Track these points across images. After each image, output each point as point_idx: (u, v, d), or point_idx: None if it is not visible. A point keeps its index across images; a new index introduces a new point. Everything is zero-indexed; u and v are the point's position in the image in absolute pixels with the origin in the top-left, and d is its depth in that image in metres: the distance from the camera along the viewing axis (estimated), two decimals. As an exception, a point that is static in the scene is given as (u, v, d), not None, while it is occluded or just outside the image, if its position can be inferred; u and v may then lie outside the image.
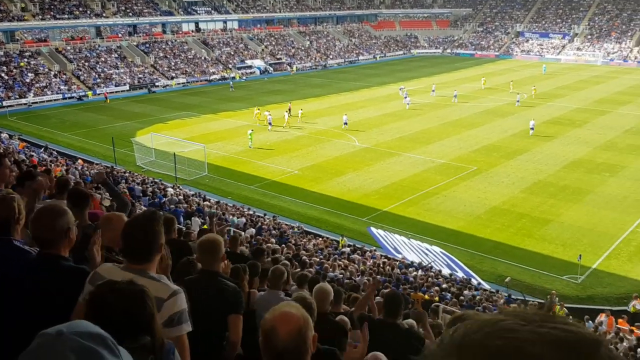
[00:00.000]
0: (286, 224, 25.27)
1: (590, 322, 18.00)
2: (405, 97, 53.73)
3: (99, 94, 60.97)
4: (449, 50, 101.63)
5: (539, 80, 67.69)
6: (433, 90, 58.10)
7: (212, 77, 72.96)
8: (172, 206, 21.76)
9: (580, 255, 22.23)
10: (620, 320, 18.65)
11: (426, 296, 16.25)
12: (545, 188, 31.27)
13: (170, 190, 26.58)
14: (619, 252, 24.07)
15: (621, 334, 16.89)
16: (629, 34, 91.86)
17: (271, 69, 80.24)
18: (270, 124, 44.18)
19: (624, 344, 15.98)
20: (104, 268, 3.21)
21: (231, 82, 67.77)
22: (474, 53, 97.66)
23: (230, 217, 22.66)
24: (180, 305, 3.06)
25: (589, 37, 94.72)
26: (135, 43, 75.50)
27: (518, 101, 53.34)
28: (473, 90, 61.24)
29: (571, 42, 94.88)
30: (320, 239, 23.93)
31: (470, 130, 44.10)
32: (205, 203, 25.56)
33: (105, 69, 67.47)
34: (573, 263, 22.36)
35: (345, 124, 44.19)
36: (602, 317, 18.29)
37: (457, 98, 55.54)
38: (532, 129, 42.53)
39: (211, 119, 49.28)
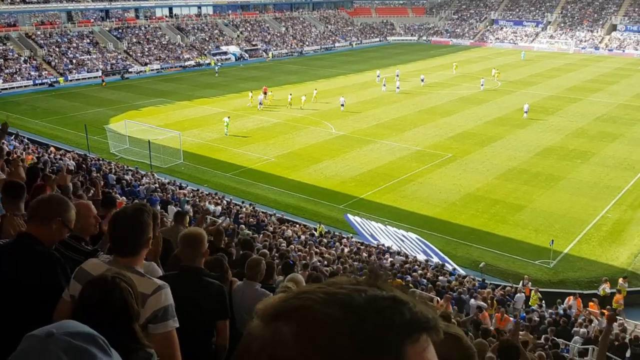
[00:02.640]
0: (263, 212, 25.24)
1: (561, 305, 18.46)
2: (384, 85, 54.78)
3: (95, 78, 60.78)
4: (424, 38, 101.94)
5: (514, 68, 68.46)
6: (422, 80, 58.02)
7: (186, 64, 72.01)
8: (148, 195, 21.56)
9: (552, 241, 22.72)
10: (590, 303, 19.15)
11: (402, 282, 16.46)
12: (518, 175, 31.78)
13: (145, 179, 26.28)
14: (589, 237, 24.65)
15: (591, 317, 17.37)
16: (600, 22, 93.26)
17: (247, 55, 79.50)
18: (260, 103, 46.56)
19: (593, 325, 16.43)
20: (89, 264, 3.15)
21: (216, 67, 67.12)
22: (448, 41, 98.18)
23: (207, 204, 22.53)
24: (165, 300, 2.98)
25: (562, 25, 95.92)
26: (107, 28, 73.98)
27: (482, 85, 55.07)
28: (449, 78, 61.64)
29: (544, 30, 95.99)
30: (298, 226, 23.97)
31: (446, 117, 44.45)
32: (181, 191, 25.35)
33: (77, 55, 66.03)
34: (545, 248, 22.84)
35: (342, 105, 45.76)
36: (570, 300, 18.75)
37: (424, 82, 56.85)
38: (526, 112, 43.81)
39: (186, 106, 48.72)
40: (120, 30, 74.67)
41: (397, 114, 45.42)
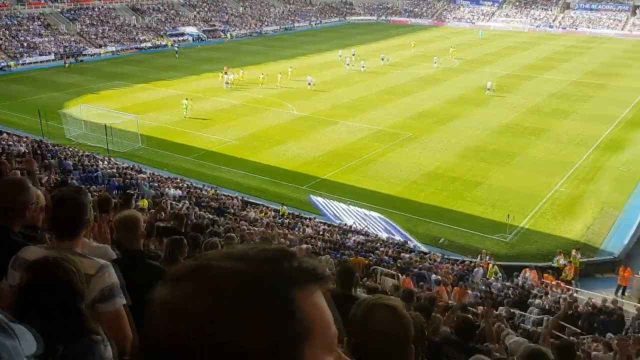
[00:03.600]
0: (225, 195, 25.12)
1: (517, 277, 19.12)
2: (348, 65, 55.35)
3: (49, 61, 59.03)
4: (383, 17, 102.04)
5: (472, 47, 69.35)
6: (382, 59, 58.41)
7: (143, 45, 70.24)
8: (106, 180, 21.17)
9: (508, 215, 23.39)
10: (546, 275, 19.91)
11: (366, 260, 16.76)
12: (476, 152, 32.45)
13: (102, 163, 25.75)
14: (544, 211, 25.47)
15: (547, 289, 18.07)
16: (554, 1, 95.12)
17: (205, 36, 78.09)
18: (227, 83, 47.08)
19: (549, 296, 17.11)
20: (27, 251, 3.07)
21: (176, 48, 65.87)
22: (407, 20, 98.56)
23: (166, 189, 22.28)
24: (109, 279, 2.98)
25: (517, 4, 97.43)
26: (59, 10, 71.37)
27: (435, 62, 56.56)
28: (408, 57, 62.03)
29: (500, 9, 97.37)
30: (260, 208, 23.97)
31: (406, 97, 44.85)
32: (140, 175, 24.95)
33: (28, 38, 63.58)
34: (502, 223, 23.50)
35: (310, 84, 46.24)
36: (526, 273, 19.43)
37: (384, 61, 57.46)
38: (489, 89, 45.11)
39: (144, 89, 47.69)
40: (73, 12, 72.14)
41: (358, 95, 45.56)
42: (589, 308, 15.48)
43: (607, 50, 69.38)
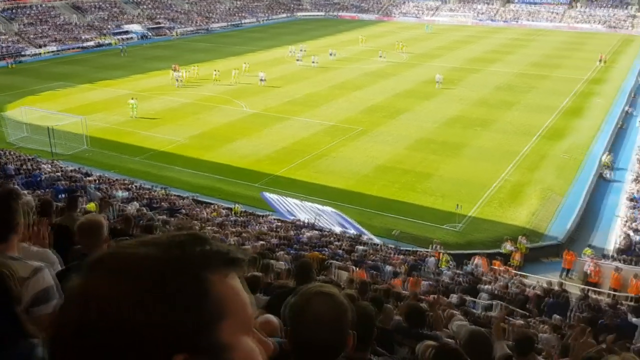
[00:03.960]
0: (176, 195, 24.73)
1: (468, 265, 19.63)
2: (298, 60, 55.74)
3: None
4: (332, 13, 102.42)
5: (419, 41, 70.51)
6: (331, 54, 58.70)
7: (86, 44, 68.14)
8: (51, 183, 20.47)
9: (458, 205, 23.97)
10: (495, 261, 20.52)
11: (320, 255, 16.83)
12: (426, 144, 33.08)
13: (47, 167, 24.89)
14: (492, 200, 26.23)
15: (496, 275, 18.64)
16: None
17: (151, 34, 76.42)
18: (178, 80, 46.54)
19: (498, 282, 17.64)
20: None
21: (122, 47, 64.18)
22: (355, 16, 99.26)
23: (114, 191, 21.75)
24: (45, 282, 2.89)
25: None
26: (-6, 8, 68.44)
27: (381, 56, 57.96)
28: (358, 52, 62.51)
29: (444, 4, 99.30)
30: (213, 207, 23.71)
31: (356, 91, 45.23)
32: (87, 179, 24.26)
33: (-40, 37, 60.75)
34: (453, 213, 24.07)
35: (262, 80, 46.28)
36: (476, 260, 19.97)
37: (332, 56, 57.87)
38: (438, 82, 45.92)
39: (89, 89, 46.31)
40: (10, 11, 69.29)
41: (309, 90, 45.64)
42: (536, 291, 16.06)
43: (547, 42, 71.85)
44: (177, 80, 46.82)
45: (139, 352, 0.81)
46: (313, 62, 54.84)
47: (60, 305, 0.86)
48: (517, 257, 21.23)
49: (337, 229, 23.22)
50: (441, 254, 20.45)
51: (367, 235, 23.05)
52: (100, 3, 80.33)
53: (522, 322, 12.44)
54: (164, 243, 0.88)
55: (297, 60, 56.03)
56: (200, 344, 0.84)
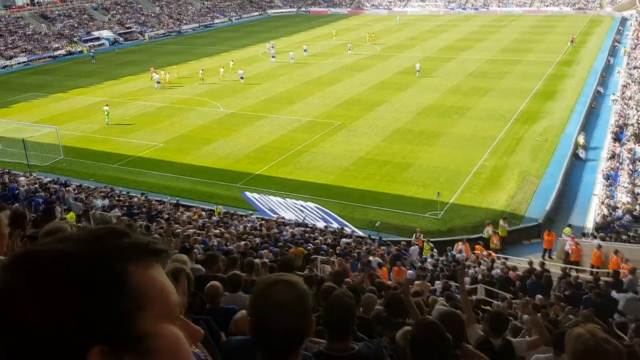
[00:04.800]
0: (157, 200, 24.54)
1: (451, 252, 19.83)
2: (273, 57, 55.90)
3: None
4: (303, 9, 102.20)
5: (391, 33, 70.74)
6: (305, 50, 58.60)
7: (56, 53, 67.11)
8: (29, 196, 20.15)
9: (438, 193, 24.19)
10: (477, 246, 20.77)
11: (305, 250, 16.88)
12: (404, 135, 33.28)
13: (23, 179, 24.52)
14: (471, 186, 26.52)
15: (478, 259, 18.87)
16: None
17: (121, 39, 75.53)
18: (158, 82, 46.62)
19: (481, 266, 17.88)
20: None
21: (92, 54, 63.29)
22: (327, 10, 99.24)
23: (94, 200, 21.53)
24: None
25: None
26: (-42, 20, 67.04)
27: (350, 49, 58.54)
28: (331, 47, 62.51)
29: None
30: (194, 209, 23.58)
31: (332, 86, 45.28)
32: (65, 189, 23.95)
33: None
34: (433, 201, 24.30)
35: (242, 78, 46.65)
36: (459, 246, 20.19)
37: (306, 52, 57.86)
38: (419, 71, 46.56)
39: (61, 98, 45.68)
40: (-25, 23, 67.94)
41: (284, 87, 45.58)
42: (518, 273, 16.31)
43: (518, 27, 72.59)
44: (157, 82, 46.65)
45: (56, 347, 0.83)
46: (291, 58, 54.94)
47: None
48: (495, 240, 21.48)
49: (321, 224, 23.28)
50: (424, 242, 20.63)
51: (350, 229, 23.15)
52: (69, 11, 79.11)
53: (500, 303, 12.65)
54: (81, 238, 0.90)
55: (272, 57, 55.95)
56: (118, 335, 0.86)
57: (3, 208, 3.28)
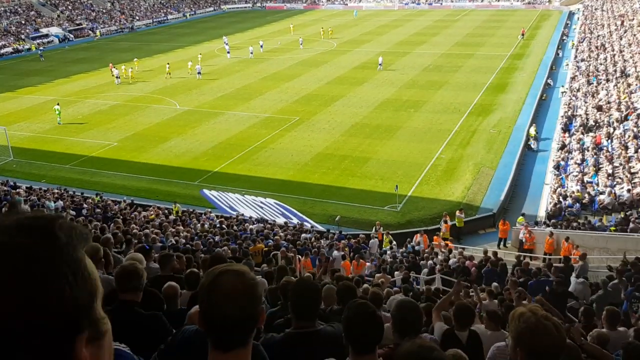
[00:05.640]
0: (112, 200, 24.02)
1: (410, 244, 20.13)
2: (228, 53, 55.44)
3: None
4: (259, 4, 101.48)
5: (347, 27, 71.03)
6: (261, 45, 58.28)
7: (2, 51, 64.65)
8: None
9: (397, 186, 24.49)
10: (435, 237, 21.14)
11: (264, 246, 16.85)
12: (361, 129, 33.54)
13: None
14: (428, 178, 26.97)
15: (435, 250, 19.23)
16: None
17: (71, 36, 73.37)
18: (117, 77, 46.41)
19: (439, 257, 18.22)
20: None
21: (40, 52, 61.17)
22: (283, 6, 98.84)
23: (46, 202, 20.91)
24: None
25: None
26: None
27: (301, 44, 59.19)
28: (287, 43, 62.31)
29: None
30: (150, 209, 23.18)
31: (289, 82, 45.19)
32: (14, 191, 23.17)
33: None
34: (392, 194, 24.60)
35: (199, 73, 46.56)
36: (417, 238, 20.51)
37: (263, 48, 57.85)
38: (381, 65, 47.53)
39: (8, 97, 44.08)
40: None
41: (241, 83, 45.23)
42: (474, 262, 16.70)
43: (471, 21, 74.02)
44: (117, 77, 46.15)
45: (39, 340, 0.82)
46: (251, 53, 54.81)
47: None
48: (444, 229, 21.86)
49: (281, 220, 23.27)
50: (383, 235, 20.87)
51: (310, 224, 23.22)
52: (15, 7, 76.29)
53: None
54: (30, 228, 0.89)
55: (227, 53, 55.44)
56: (89, 321, 0.88)
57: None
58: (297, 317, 3.35)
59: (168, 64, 48.62)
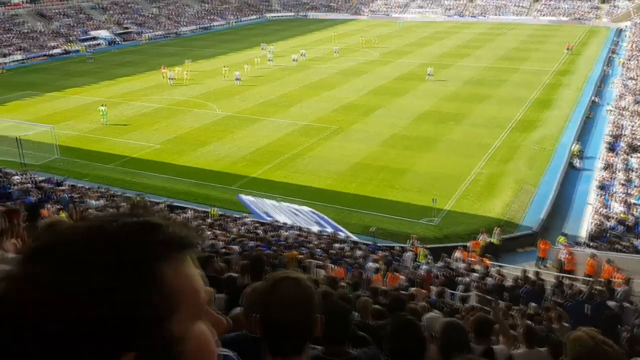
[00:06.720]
0: (152, 201, 24.44)
1: (447, 258, 19.81)
2: (270, 61, 55.89)
3: None
4: (302, 13, 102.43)
5: (390, 38, 70.95)
6: (302, 54, 58.82)
7: (53, 52, 66.96)
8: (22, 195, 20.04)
9: (434, 199, 24.16)
10: (472, 253, 20.77)
11: (298, 254, 16.84)
12: (400, 140, 33.31)
13: (17, 178, 24.41)
14: (467, 193, 26.53)
15: (473, 266, 18.87)
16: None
17: (119, 39, 75.50)
18: (171, 78, 48.04)
19: (476, 274, 17.87)
20: None
21: (89, 54, 63.27)
22: (325, 15, 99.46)
23: (88, 200, 21.44)
24: None
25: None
26: (-45, 17, 66.83)
27: (336, 52, 59.73)
28: (329, 52, 62.57)
29: (414, 1, 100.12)
30: (190, 212, 23.53)
31: (329, 91, 45.33)
32: (59, 188, 23.87)
33: None
34: (429, 207, 24.28)
35: (238, 79, 47.26)
36: (457, 253, 20.19)
37: (305, 56, 58.16)
38: (430, 75, 47.59)
39: (57, 97, 45.54)
40: (-29, 20, 67.81)
41: (281, 91, 45.59)
42: (511, 281, 16.32)
43: (515, 35, 72.95)
44: (170, 79, 47.92)
45: (83, 351, 0.76)
46: (294, 60, 55.34)
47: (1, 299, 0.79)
48: (475, 247, 21.41)
49: (315, 228, 23.25)
50: (419, 249, 20.61)
51: (345, 233, 23.12)
52: (66, 9, 79.03)
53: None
54: (112, 234, 0.83)
55: (269, 60, 56.03)
56: (151, 341, 0.80)
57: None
58: (326, 341, 3.04)
59: (225, 67, 50.26)
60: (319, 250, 17.94)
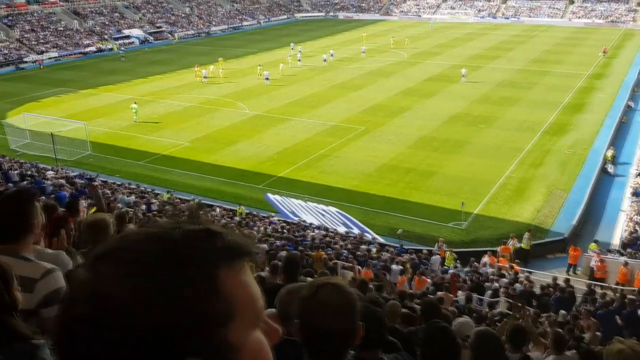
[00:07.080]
0: (180, 198, 24.76)
1: (475, 263, 19.55)
2: (299, 61, 56.04)
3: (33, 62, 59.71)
4: (331, 13, 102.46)
5: (419, 39, 70.44)
6: (332, 54, 58.93)
7: (87, 50, 68.34)
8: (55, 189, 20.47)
9: (463, 203, 23.88)
10: (501, 259, 20.45)
11: (324, 255, 16.83)
12: (428, 142, 33.03)
13: (51, 173, 24.96)
14: (496, 197, 26.15)
15: (502, 271, 18.59)
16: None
17: (151, 38, 76.62)
18: (205, 77, 48.93)
19: (504, 279, 17.59)
20: None
21: (121, 52, 64.51)
22: (354, 15, 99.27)
23: (120, 196, 21.77)
24: (55, 283, 2.90)
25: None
26: (-5, 15, 68.68)
27: (363, 52, 60.13)
28: (357, 52, 62.44)
29: (445, 2, 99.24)
30: (218, 210, 23.72)
31: (357, 91, 45.22)
32: (91, 184, 24.27)
33: (-39, 46, 60.92)
34: (457, 210, 24.01)
35: (267, 79, 47.52)
36: (485, 258, 19.90)
37: (333, 56, 58.17)
38: (464, 76, 47.18)
39: (90, 94, 46.45)
40: (10, 18, 69.52)
41: (309, 91, 45.66)
42: (542, 288, 16.02)
43: (549, 38, 71.69)
44: (204, 77, 48.80)
45: (146, 354, 0.78)
46: (324, 61, 55.58)
47: (67, 299, 0.83)
48: (505, 252, 21.05)
49: (342, 229, 23.21)
50: (446, 252, 20.39)
51: (371, 235, 23.02)
52: (101, 8, 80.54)
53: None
54: (175, 241, 0.85)
55: (298, 60, 56.17)
56: (209, 347, 0.81)
57: (36, 195, 3.27)
58: (358, 345, 3.06)
59: (260, 65, 50.83)
60: (344, 251, 17.90)
